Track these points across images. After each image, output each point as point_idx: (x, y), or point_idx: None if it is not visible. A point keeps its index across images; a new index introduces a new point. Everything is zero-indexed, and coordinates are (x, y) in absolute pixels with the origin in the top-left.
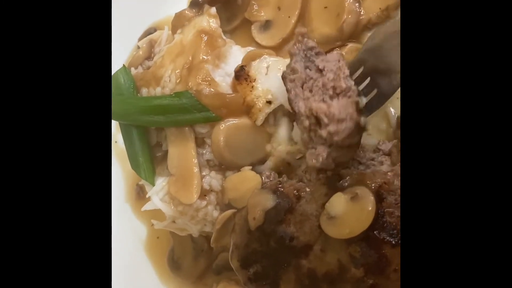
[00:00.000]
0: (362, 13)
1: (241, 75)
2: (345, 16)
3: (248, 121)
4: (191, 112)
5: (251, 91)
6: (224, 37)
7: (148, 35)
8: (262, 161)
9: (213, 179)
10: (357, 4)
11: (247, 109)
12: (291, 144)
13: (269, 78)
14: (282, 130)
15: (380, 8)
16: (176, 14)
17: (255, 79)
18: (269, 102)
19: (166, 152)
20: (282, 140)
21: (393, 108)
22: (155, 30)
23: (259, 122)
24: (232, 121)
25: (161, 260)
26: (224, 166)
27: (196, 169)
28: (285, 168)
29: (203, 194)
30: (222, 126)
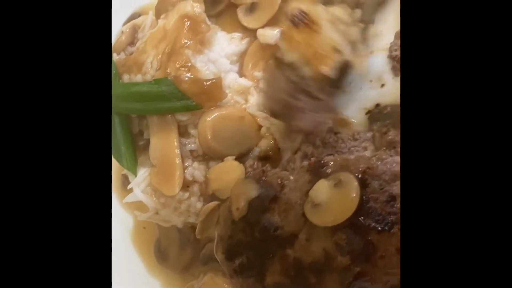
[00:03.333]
0: None
1: (301, 20)
2: None
3: (235, 111)
4: (171, 100)
5: (314, 39)
6: (208, 22)
7: (132, 20)
8: (251, 151)
9: (196, 170)
10: None
11: (315, 57)
12: None
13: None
14: None
15: None
16: None
17: (320, 25)
18: (337, 51)
19: (149, 140)
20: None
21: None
22: (139, 15)
23: (331, 72)
24: (218, 112)
25: (148, 251)
26: (210, 156)
27: (178, 160)
28: (274, 153)
29: (186, 185)
30: (208, 117)
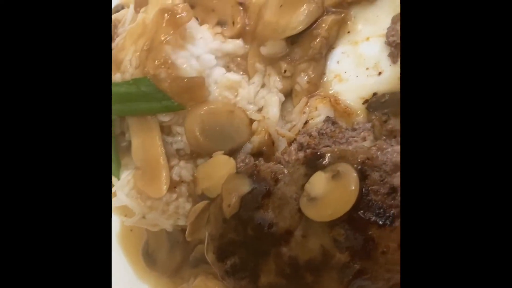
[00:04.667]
0: None
1: None
2: None
3: (224, 105)
4: (151, 101)
5: None
6: (190, 12)
7: (116, 13)
8: (242, 146)
9: (183, 169)
10: None
11: None
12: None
13: None
14: (273, 108)
15: None
16: None
17: None
18: None
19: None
20: (272, 115)
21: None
22: (122, 8)
23: None
24: (206, 106)
25: (136, 254)
26: (198, 154)
27: (163, 160)
28: (268, 149)
29: (173, 186)
30: (196, 112)
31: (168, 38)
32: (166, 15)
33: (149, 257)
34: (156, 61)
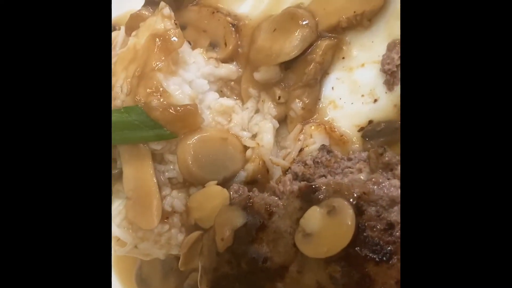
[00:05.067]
0: None
1: None
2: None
3: (217, 132)
4: (142, 129)
5: None
6: (181, 37)
7: None
8: (236, 174)
9: (175, 199)
10: None
11: None
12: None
13: None
14: (267, 135)
15: (354, 12)
16: (131, 15)
17: None
18: None
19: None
20: (266, 142)
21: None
22: (113, 29)
23: None
24: (199, 134)
25: (130, 279)
26: (191, 183)
27: (155, 190)
28: (263, 177)
29: (165, 216)
30: (189, 140)
31: (159, 65)
32: (157, 40)
33: (142, 283)
34: (148, 89)
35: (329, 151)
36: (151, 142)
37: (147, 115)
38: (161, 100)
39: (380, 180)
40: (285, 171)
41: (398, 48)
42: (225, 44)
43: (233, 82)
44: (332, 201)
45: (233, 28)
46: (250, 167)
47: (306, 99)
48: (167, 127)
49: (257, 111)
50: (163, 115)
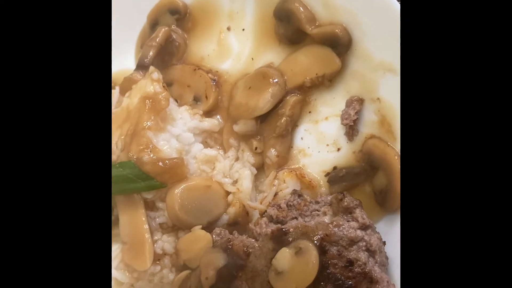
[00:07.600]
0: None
1: None
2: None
3: (201, 181)
4: (135, 181)
5: None
6: (168, 99)
7: None
8: (219, 218)
9: (165, 243)
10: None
11: None
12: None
13: None
14: (246, 181)
15: (316, 74)
16: (124, 78)
17: None
18: None
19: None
20: (246, 187)
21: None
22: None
23: None
24: (185, 183)
25: None
26: (179, 227)
27: (147, 236)
28: (243, 219)
29: (157, 258)
30: (176, 189)
31: (149, 124)
32: (147, 102)
33: None
34: (140, 146)
35: (299, 195)
36: (144, 192)
37: (139, 169)
38: (151, 155)
39: (341, 223)
40: (262, 214)
41: (354, 104)
42: (206, 97)
43: (216, 134)
44: (299, 243)
45: (213, 83)
46: (232, 210)
47: (279, 148)
48: (157, 178)
49: (237, 159)
50: (153, 168)
